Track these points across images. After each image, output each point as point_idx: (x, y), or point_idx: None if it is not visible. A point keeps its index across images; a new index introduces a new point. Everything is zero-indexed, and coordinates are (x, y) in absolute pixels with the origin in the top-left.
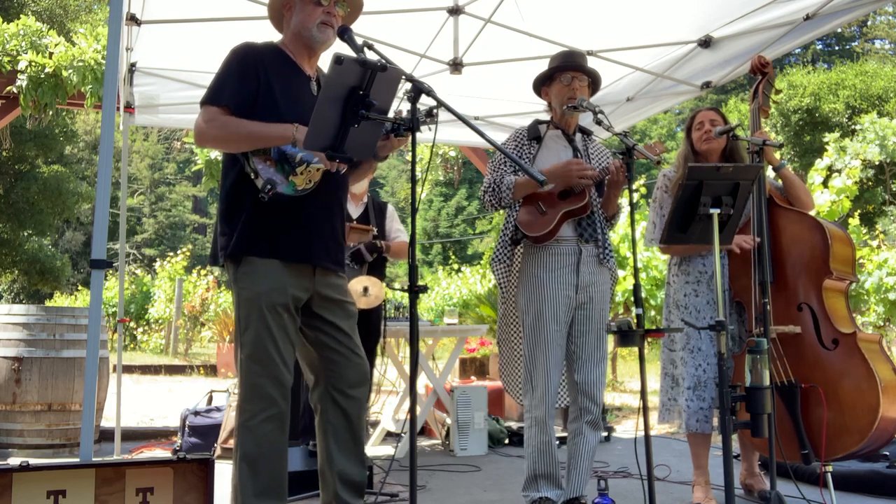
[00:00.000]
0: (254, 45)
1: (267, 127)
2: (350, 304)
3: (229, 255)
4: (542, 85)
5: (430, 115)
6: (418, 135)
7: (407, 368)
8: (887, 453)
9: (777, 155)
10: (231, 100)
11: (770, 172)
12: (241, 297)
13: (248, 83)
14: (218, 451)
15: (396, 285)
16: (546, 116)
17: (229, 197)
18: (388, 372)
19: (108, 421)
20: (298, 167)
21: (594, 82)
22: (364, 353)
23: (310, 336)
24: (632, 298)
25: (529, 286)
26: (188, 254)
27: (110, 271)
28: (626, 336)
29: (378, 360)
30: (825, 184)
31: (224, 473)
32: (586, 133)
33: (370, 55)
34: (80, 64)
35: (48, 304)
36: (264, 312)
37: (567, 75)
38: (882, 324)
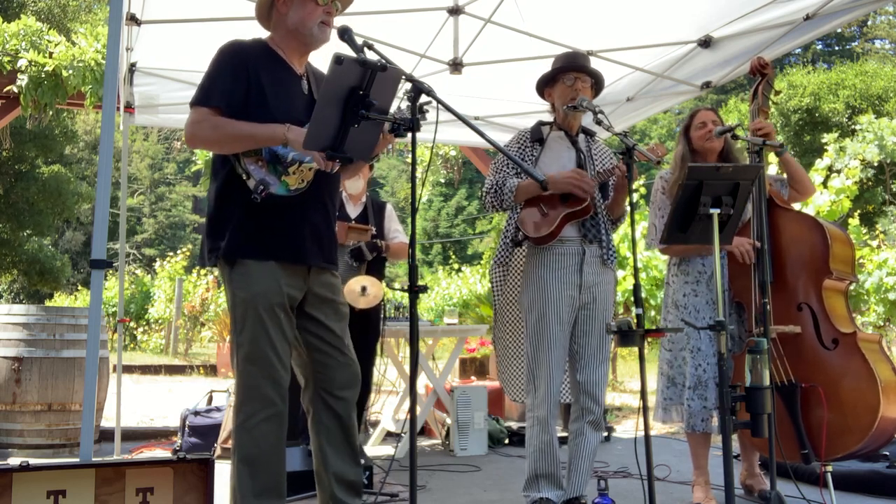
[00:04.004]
0: (242, 42)
1: (259, 127)
2: (342, 305)
3: (223, 256)
4: (545, 86)
5: (421, 111)
6: (418, 134)
7: (407, 368)
8: (887, 453)
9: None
10: (222, 100)
11: (770, 172)
12: (237, 298)
13: (239, 82)
14: (218, 451)
15: (396, 285)
16: (549, 117)
17: (220, 198)
18: (388, 372)
19: (108, 421)
20: (290, 167)
21: (597, 83)
22: (354, 355)
23: (300, 338)
24: (632, 298)
25: (533, 286)
26: (188, 254)
27: (110, 271)
28: (626, 336)
29: (378, 360)
30: (825, 184)
31: (224, 473)
32: (589, 134)
33: (370, 55)
34: (80, 64)
35: (48, 304)
36: (261, 313)
37: (570, 76)
38: (882, 324)
